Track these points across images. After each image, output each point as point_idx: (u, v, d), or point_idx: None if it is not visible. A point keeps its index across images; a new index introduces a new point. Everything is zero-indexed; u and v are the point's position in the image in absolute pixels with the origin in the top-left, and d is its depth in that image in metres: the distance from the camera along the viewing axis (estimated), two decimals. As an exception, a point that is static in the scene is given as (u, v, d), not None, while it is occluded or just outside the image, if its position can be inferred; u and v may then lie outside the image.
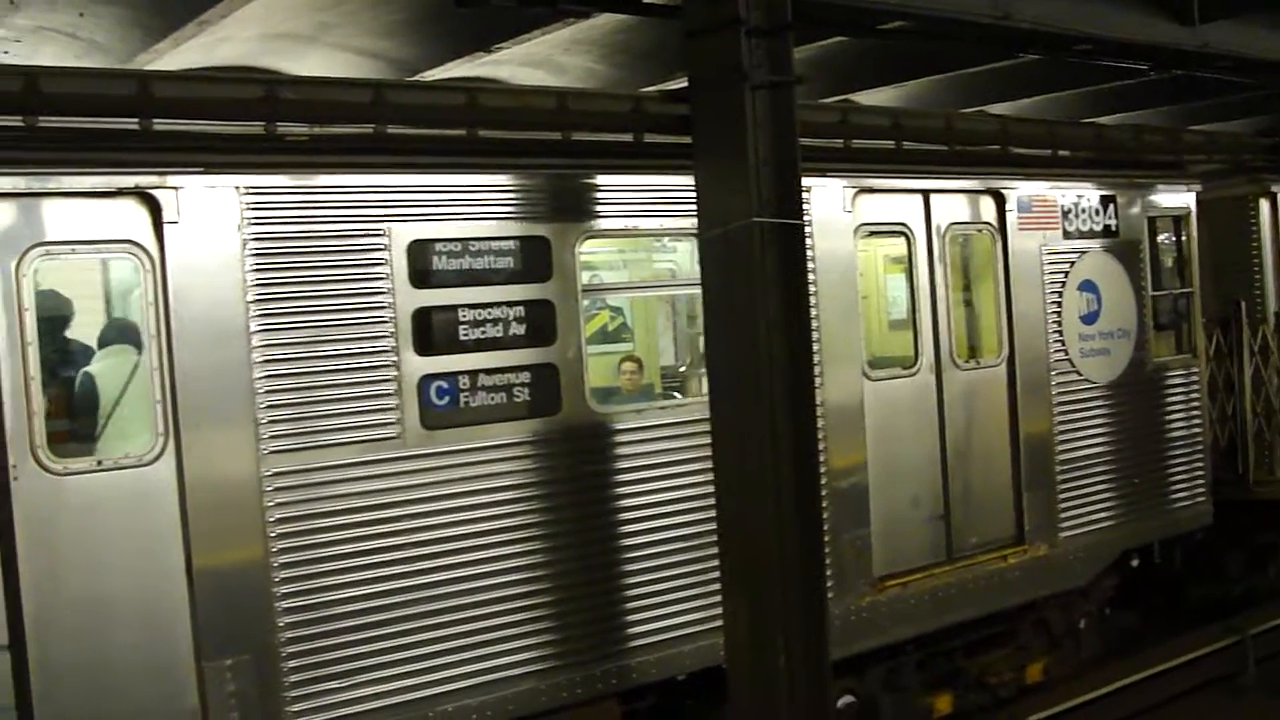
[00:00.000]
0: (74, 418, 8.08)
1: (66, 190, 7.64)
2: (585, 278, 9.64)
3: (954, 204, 11.75)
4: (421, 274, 8.75)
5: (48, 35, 11.62)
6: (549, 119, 9.23)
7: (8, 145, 7.47)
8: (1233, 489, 14.93)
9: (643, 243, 11.46)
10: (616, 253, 11.91)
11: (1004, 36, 10.77)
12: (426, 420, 8.70)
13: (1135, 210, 13.24)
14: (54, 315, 8.04)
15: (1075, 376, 12.54)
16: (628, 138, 9.54)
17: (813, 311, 8.72)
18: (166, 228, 7.83)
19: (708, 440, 8.69)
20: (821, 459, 9.37)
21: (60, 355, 8.12)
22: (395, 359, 8.59)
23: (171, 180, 7.85)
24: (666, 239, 11.06)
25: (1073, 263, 12.55)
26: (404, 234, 8.66)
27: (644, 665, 9.56)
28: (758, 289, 7.93)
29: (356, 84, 9.51)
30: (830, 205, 10.60)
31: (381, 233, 8.58)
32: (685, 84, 8.60)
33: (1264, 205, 15.38)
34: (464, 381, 8.87)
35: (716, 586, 8.74)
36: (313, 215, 8.35)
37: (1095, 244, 12.80)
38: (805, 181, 8.63)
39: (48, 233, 7.60)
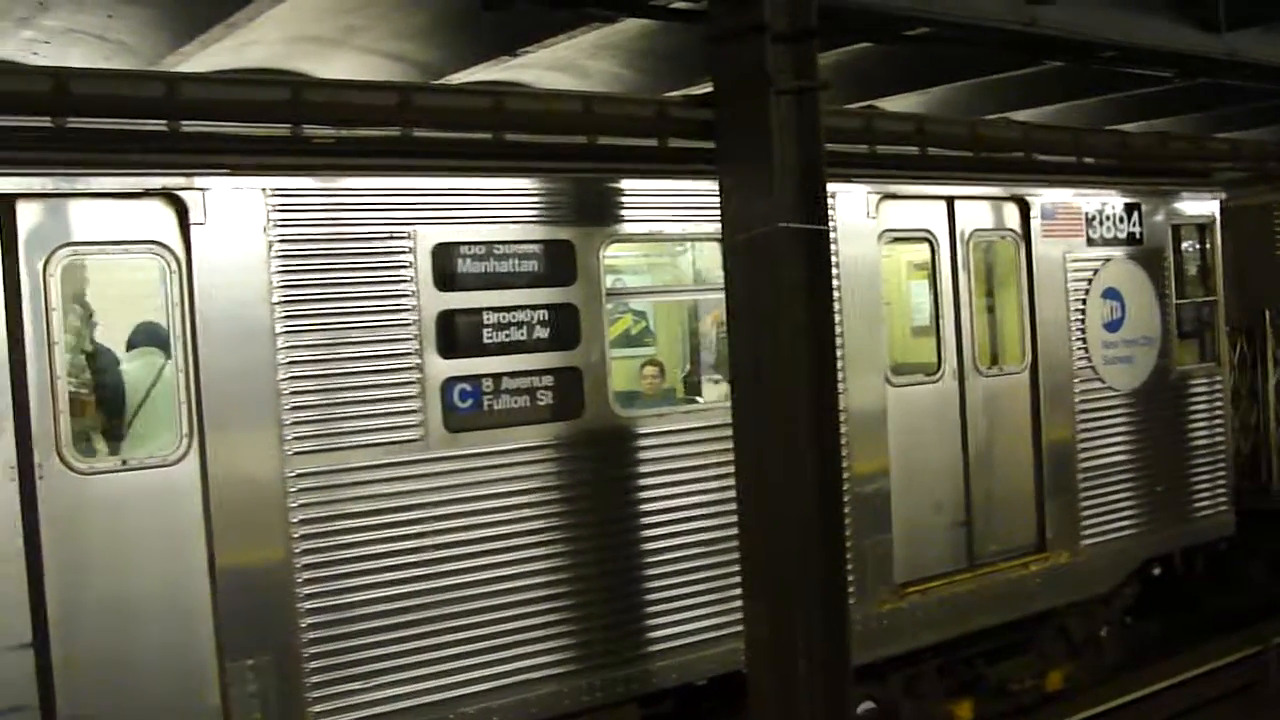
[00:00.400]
0: (102, 418, 8.14)
1: (94, 191, 7.68)
2: (609, 281, 9.66)
3: (978, 211, 11.73)
4: (446, 277, 8.77)
5: (77, 37, 11.68)
6: (574, 123, 9.24)
7: (37, 146, 7.52)
8: (1255, 498, 14.90)
9: (664, 247, 11.48)
10: (641, 256, 11.92)
11: (1030, 43, 10.75)
12: (450, 423, 8.72)
13: (1159, 218, 13.21)
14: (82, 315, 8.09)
15: (1098, 384, 12.50)
16: (652, 142, 9.55)
17: (836, 317, 8.69)
18: (193, 229, 7.87)
19: (730, 444, 8.70)
20: (844, 464, 9.39)
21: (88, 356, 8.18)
22: (419, 361, 8.61)
23: (198, 182, 7.89)
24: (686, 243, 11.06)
25: (1096, 270, 12.52)
26: (429, 237, 8.69)
27: (664, 669, 9.56)
28: (782, 294, 7.92)
29: (382, 87, 9.54)
30: (854, 211, 10.60)
31: (406, 235, 8.60)
32: (710, 89, 8.59)
33: (1290, 213, 15.35)
34: (487, 384, 8.89)
35: (738, 591, 8.72)
36: (338, 217, 8.38)
37: (1119, 251, 12.77)
38: (830, 187, 8.61)
39: (75, 233, 7.65)
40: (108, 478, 7.70)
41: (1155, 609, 14.15)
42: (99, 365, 8.20)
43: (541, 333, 9.11)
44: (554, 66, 13.66)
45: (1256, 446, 15.16)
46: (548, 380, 9.11)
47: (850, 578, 9.07)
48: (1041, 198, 12.05)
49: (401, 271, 8.59)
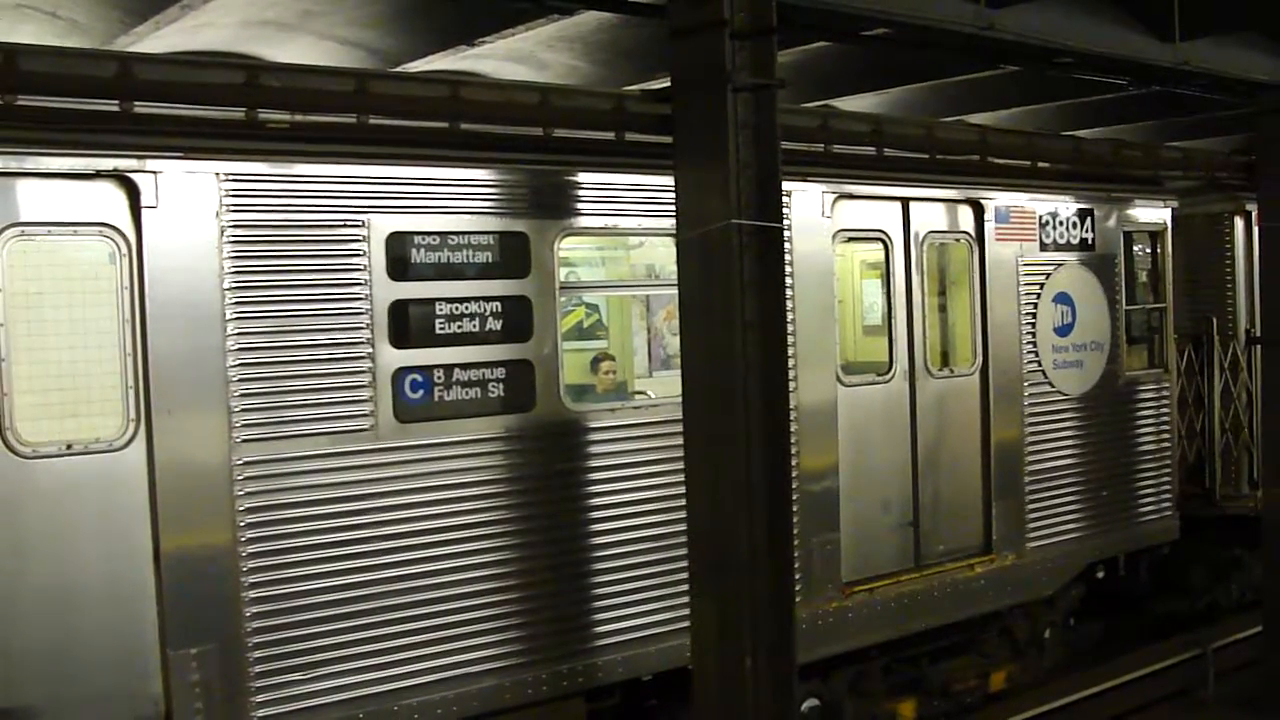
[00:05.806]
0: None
1: (43, 171, 7.59)
2: (563, 274, 9.63)
3: (932, 212, 11.78)
4: (399, 266, 8.73)
5: (27, 13, 11.51)
6: (531, 114, 9.20)
7: (-16, 123, 7.42)
8: (1199, 503, 15.04)
9: (619, 241, 11.46)
10: (595, 250, 11.91)
11: (987, 47, 10.76)
12: (400, 413, 8.68)
13: (1112, 224, 13.32)
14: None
15: (1047, 388, 12.59)
16: (609, 136, 9.52)
17: (789, 315, 8.70)
18: (144, 212, 7.79)
19: (680, 440, 8.69)
20: (793, 462, 9.40)
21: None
22: (370, 350, 8.57)
23: (150, 164, 7.81)
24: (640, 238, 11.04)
25: (1048, 274, 12.61)
26: (383, 226, 8.64)
27: (610, 664, 9.56)
28: (735, 291, 7.91)
29: (339, 73, 9.47)
30: (809, 210, 10.62)
31: (360, 224, 8.55)
32: (668, 84, 8.58)
33: (1238, 223, 15.50)
34: (439, 375, 8.86)
35: (684, 587, 8.72)
36: (292, 204, 8.32)
37: (1071, 256, 12.85)
38: (785, 185, 8.62)
39: (22, 213, 7.55)
40: (52, 461, 7.61)
41: (1098, 611, 14.27)
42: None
43: (494, 324, 9.08)
44: (511, 57, 13.60)
45: (1201, 453, 15.30)
46: (499, 373, 9.08)
47: (797, 576, 9.10)
48: (995, 201, 12.11)
49: (354, 260, 8.54)
